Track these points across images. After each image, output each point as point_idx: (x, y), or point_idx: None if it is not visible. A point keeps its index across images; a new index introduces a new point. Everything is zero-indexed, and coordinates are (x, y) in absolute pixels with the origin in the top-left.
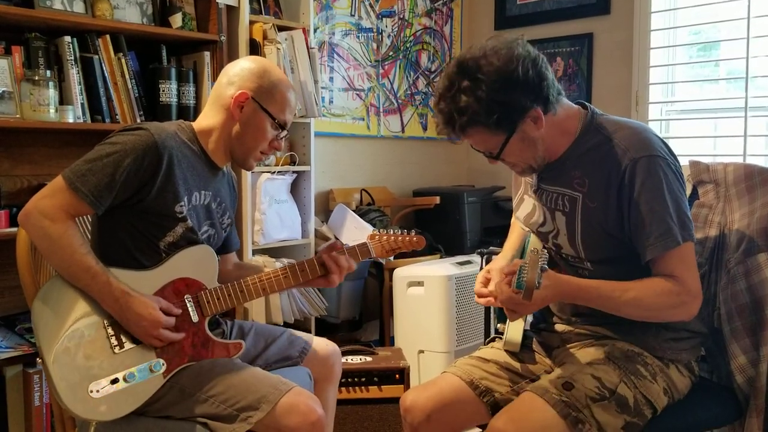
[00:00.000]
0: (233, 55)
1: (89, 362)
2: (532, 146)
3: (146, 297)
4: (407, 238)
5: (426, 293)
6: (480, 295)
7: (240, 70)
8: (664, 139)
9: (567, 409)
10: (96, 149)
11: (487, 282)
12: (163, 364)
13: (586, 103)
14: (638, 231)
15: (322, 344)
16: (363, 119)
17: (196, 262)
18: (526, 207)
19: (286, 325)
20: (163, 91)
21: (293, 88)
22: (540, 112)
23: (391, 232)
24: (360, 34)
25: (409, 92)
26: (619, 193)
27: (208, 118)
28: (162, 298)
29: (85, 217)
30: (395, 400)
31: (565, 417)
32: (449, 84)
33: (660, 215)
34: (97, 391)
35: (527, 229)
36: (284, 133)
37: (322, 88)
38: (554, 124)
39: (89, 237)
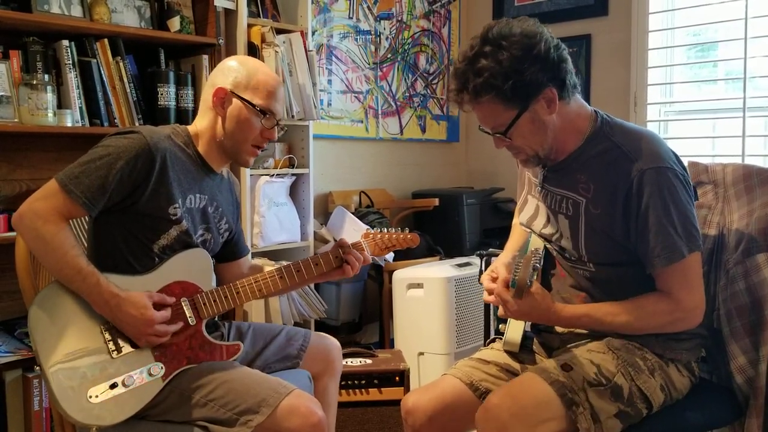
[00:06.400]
0: None
1: (87, 367)
2: (542, 130)
3: (136, 295)
4: (401, 236)
5: (425, 295)
6: (488, 292)
7: (219, 69)
8: (671, 146)
9: (563, 389)
10: (89, 152)
11: (494, 279)
12: (161, 368)
13: (597, 109)
14: (643, 242)
15: (321, 339)
16: (361, 121)
17: (191, 265)
18: (529, 208)
19: None
20: (162, 94)
21: (275, 76)
22: (555, 94)
23: (386, 231)
24: (358, 37)
25: (407, 94)
26: (626, 203)
27: (198, 122)
28: None
29: (81, 222)
30: (395, 403)
31: (561, 396)
32: (470, 48)
33: (666, 229)
34: (97, 396)
35: (530, 231)
36: (274, 121)
37: (321, 90)
38: (566, 117)
39: (84, 242)
